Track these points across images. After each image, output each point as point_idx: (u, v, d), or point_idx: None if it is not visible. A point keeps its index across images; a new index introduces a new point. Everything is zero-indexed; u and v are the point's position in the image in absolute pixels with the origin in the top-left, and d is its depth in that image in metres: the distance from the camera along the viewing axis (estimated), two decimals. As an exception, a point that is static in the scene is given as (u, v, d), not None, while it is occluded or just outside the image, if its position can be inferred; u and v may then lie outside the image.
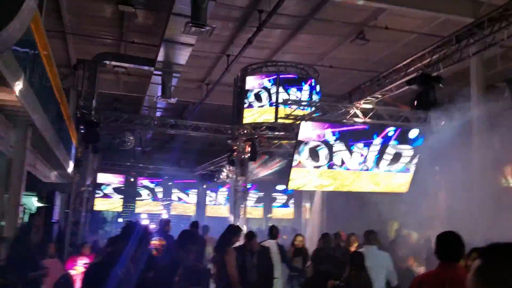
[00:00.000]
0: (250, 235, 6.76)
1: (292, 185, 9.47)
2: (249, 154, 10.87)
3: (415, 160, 10.13)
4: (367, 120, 8.65)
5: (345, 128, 9.14)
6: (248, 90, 11.33)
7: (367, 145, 9.53)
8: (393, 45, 11.05)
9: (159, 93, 12.36)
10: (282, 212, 20.70)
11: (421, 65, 6.79)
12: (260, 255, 6.74)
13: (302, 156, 9.09)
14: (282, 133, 10.38)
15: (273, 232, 7.75)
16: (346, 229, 13.25)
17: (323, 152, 9.25)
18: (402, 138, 9.78)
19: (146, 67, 11.76)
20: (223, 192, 20.88)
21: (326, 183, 9.80)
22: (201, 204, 20.74)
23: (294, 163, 9.03)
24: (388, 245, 7.90)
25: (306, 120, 8.32)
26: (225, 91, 13.95)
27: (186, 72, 12.58)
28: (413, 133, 9.86)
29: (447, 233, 3.30)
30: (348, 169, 9.76)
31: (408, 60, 7.20)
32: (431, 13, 9.20)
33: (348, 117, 8.85)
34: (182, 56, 10.97)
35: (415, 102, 7.07)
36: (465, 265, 3.52)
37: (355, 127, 9.25)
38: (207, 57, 12.41)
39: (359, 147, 9.48)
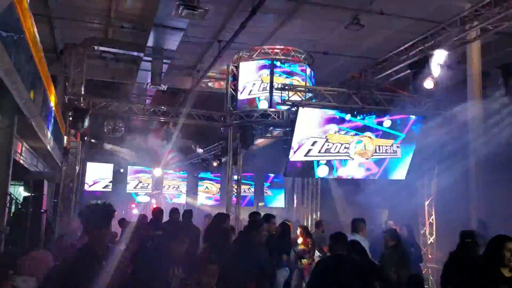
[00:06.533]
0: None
1: (289, 173, 9.23)
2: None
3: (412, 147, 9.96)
4: (366, 106, 8.47)
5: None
6: (241, 77, 11.06)
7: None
8: (387, 31, 10.88)
9: (149, 80, 12.05)
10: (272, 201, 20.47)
11: (423, 48, 6.63)
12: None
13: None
14: (276, 119, 10.15)
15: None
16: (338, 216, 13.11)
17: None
18: (400, 125, 9.55)
19: (135, 53, 11.45)
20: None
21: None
22: (191, 194, 20.51)
23: (291, 152, 8.79)
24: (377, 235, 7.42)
25: (303, 106, 8.07)
26: (215, 78, 13.72)
27: (176, 59, 12.28)
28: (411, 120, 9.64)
29: None
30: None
31: (410, 43, 7.04)
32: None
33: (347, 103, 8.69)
34: (173, 42, 10.71)
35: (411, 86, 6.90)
36: None
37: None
38: (198, 43, 12.12)
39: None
